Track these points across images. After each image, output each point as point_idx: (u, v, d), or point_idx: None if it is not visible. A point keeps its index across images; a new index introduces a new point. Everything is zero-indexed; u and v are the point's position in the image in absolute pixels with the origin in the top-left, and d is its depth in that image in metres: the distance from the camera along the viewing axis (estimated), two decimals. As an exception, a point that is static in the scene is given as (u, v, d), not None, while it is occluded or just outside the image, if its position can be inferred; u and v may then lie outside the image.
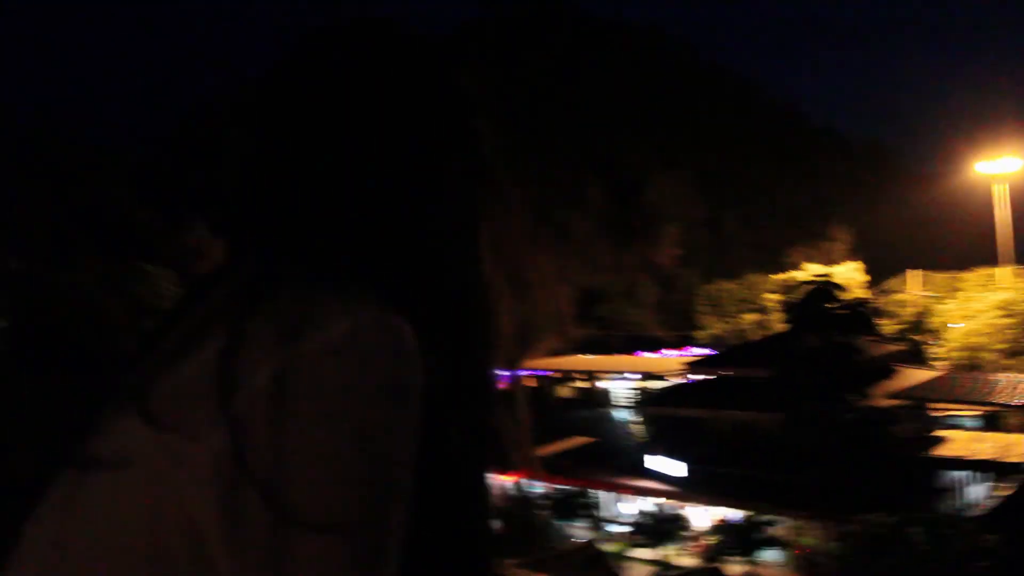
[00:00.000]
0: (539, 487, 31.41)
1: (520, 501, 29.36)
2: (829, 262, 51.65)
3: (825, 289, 27.27)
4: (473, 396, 0.80)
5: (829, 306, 26.62)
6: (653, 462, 28.83)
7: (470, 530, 0.74)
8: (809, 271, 39.74)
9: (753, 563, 24.49)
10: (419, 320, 0.69)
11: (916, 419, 27.33)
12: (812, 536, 25.09)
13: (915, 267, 54.93)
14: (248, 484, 0.60)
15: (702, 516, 27.45)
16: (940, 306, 43.41)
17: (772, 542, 24.50)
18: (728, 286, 74.45)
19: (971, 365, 35.10)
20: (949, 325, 40.10)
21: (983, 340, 36.37)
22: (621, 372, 49.11)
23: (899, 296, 50.04)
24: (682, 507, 27.70)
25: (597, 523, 29.54)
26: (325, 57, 0.78)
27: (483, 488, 0.78)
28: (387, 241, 0.75)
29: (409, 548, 0.64)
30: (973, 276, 46.93)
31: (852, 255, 61.19)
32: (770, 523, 24.54)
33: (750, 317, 72.08)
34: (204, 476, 0.61)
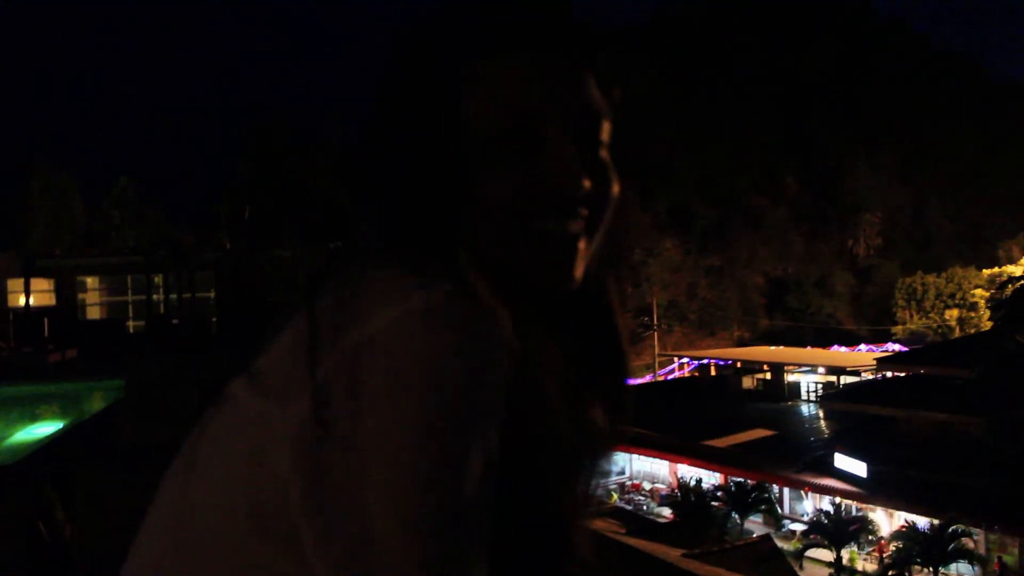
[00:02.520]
0: (717, 478, 30.89)
1: (696, 492, 28.97)
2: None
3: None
4: (569, 382, 0.77)
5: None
6: (837, 460, 27.66)
7: (547, 528, 0.76)
8: (1024, 265, 36.64)
9: (942, 575, 23.10)
10: (510, 301, 0.71)
11: None
12: (1012, 552, 23.39)
13: None
14: (328, 446, 0.65)
15: (885, 520, 26.15)
16: None
17: (965, 554, 22.96)
18: (930, 279, 69.94)
19: None
20: None
21: None
22: (809, 365, 47.19)
23: None
24: (864, 508, 26.47)
25: (775, 518, 28.72)
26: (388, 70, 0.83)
27: (562, 483, 0.77)
28: (457, 217, 0.76)
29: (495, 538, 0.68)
30: None
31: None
32: (964, 534, 22.99)
33: (953, 313, 67.70)
34: (288, 439, 0.67)
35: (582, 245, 0.79)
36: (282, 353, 0.71)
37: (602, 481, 0.87)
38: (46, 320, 19.86)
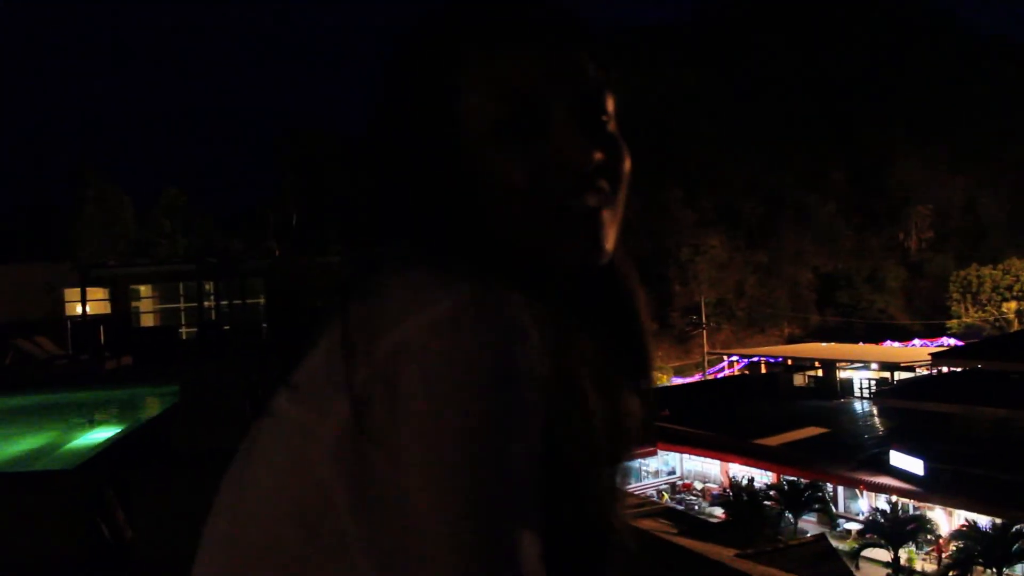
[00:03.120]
0: (769, 477, 30.54)
1: (749, 491, 28.67)
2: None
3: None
4: (600, 382, 0.77)
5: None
6: (893, 458, 27.19)
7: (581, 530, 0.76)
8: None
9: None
10: (542, 298, 0.71)
11: None
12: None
13: None
14: (369, 451, 0.65)
15: (944, 519, 25.62)
16: None
17: (1031, 555, 22.40)
18: (986, 271, 68.38)
19: None
20: None
21: None
22: (861, 361, 46.46)
23: None
24: (922, 507, 25.96)
25: (829, 518, 28.30)
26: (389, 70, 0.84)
27: (601, 484, 0.78)
28: (475, 211, 0.77)
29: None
30: None
31: None
32: (1030, 533, 22.42)
33: (1011, 306, 66.14)
34: (328, 446, 0.68)
35: (606, 216, 0.79)
36: (318, 363, 0.72)
37: (630, 473, 0.87)
38: (101, 328, 20.29)
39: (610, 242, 0.80)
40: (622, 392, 0.82)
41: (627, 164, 0.82)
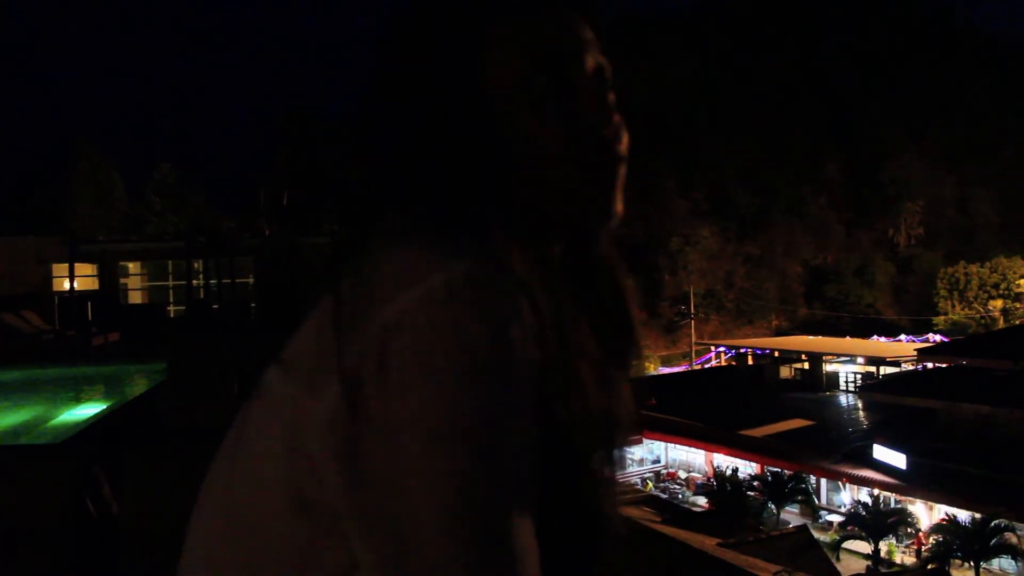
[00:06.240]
0: (753, 468, 30.71)
1: (732, 481, 28.83)
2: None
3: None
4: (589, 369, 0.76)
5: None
6: (876, 451, 27.37)
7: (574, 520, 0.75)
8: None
9: (984, 569, 22.76)
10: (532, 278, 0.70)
11: None
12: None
13: None
14: (362, 428, 0.64)
15: (924, 513, 25.84)
16: None
17: (1008, 549, 22.60)
18: (973, 269, 68.81)
19: None
20: None
21: None
22: (848, 355, 46.69)
23: None
24: (903, 501, 26.18)
25: (812, 509, 28.51)
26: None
27: (592, 474, 0.77)
28: (488, 179, 0.76)
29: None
30: None
31: None
32: (1007, 528, 22.62)
33: (997, 303, 66.65)
34: (321, 424, 0.67)
35: (623, 172, 0.81)
36: (309, 340, 0.71)
37: (624, 463, 0.86)
38: (89, 304, 20.19)
39: (621, 206, 0.81)
40: (617, 380, 0.82)
41: (626, 138, 0.83)
